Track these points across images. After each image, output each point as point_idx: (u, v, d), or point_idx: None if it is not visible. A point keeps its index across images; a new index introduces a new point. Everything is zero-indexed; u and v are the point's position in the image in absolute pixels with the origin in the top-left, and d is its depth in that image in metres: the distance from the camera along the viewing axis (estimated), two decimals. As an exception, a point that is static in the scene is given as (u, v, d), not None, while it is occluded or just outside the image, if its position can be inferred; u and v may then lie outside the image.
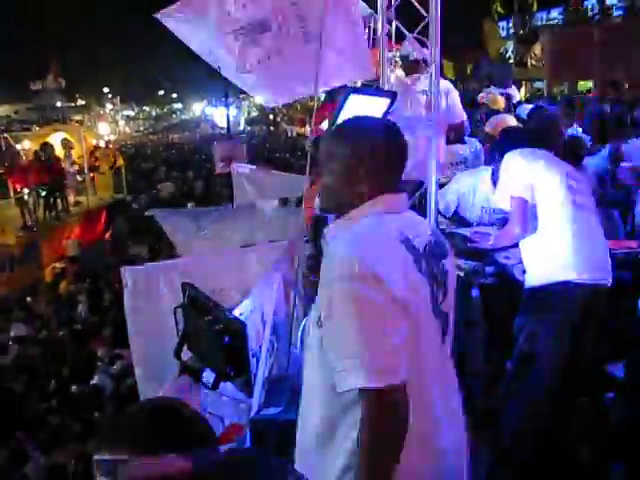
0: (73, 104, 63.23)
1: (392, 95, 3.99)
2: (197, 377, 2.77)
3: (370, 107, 3.90)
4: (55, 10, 67.90)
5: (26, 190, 16.57)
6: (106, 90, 71.23)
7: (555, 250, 3.70)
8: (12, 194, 17.51)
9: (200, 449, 1.62)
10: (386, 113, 4.05)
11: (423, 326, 1.98)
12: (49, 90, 59.51)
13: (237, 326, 2.57)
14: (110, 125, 59.65)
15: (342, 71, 5.03)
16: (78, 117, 54.72)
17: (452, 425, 2.10)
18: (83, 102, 66.09)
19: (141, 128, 74.32)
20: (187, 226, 6.00)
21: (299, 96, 5.10)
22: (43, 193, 17.02)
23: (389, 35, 5.12)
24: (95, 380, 9.66)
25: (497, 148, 4.27)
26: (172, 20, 4.93)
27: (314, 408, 2.10)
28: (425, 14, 4.60)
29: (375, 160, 2.05)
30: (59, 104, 58.41)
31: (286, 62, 5.08)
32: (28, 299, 14.26)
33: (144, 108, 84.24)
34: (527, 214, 3.74)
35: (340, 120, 3.81)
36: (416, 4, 4.71)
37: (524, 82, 22.22)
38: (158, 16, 4.88)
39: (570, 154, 4.94)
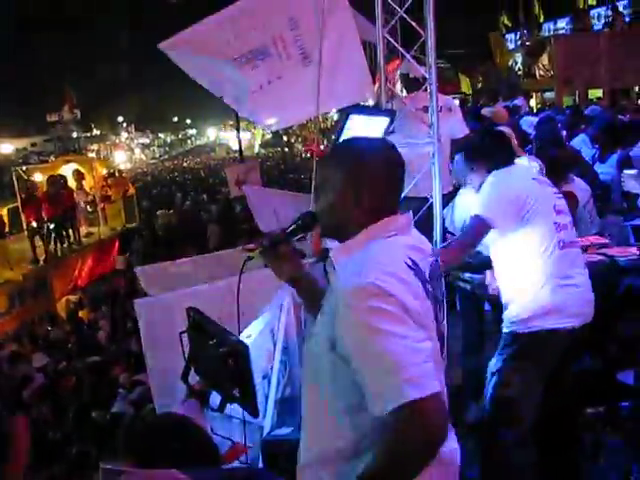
0: (89, 134, 64.00)
1: (391, 114, 4.05)
2: (204, 400, 2.82)
3: (370, 126, 3.97)
4: (68, 41, 68.87)
5: (34, 224, 16.66)
6: (120, 119, 71.98)
7: (540, 295, 3.44)
8: (25, 227, 17.63)
9: (201, 466, 1.66)
10: (386, 131, 4.12)
11: (433, 348, 1.93)
12: (65, 121, 60.25)
13: (241, 348, 2.61)
14: (126, 153, 60.27)
15: (342, 93, 5.07)
16: (94, 147, 55.34)
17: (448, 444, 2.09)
18: (98, 132, 66.87)
19: (157, 155, 74.90)
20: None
21: (301, 119, 5.15)
22: (52, 226, 17.04)
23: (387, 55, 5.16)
24: (115, 408, 9.70)
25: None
26: (174, 51, 5.01)
27: (325, 429, 2.03)
28: (421, 32, 4.65)
29: (373, 182, 2.02)
30: (75, 135, 59.13)
31: (287, 86, 5.14)
32: (49, 328, 14.41)
33: (159, 135, 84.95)
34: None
35: (342, 139, 3.89)
36: (412, 23, 4.76)
37: (534, 93, 22.19)
38: (162, 47, 4.98)
39: (555, 170, 4.95)
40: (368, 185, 2.02)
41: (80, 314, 15.69)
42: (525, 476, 3.50)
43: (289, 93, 5.06)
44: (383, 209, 2.04)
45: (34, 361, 11.85)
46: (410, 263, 1.93)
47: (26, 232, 17.33)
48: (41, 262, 16.46)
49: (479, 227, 3.60)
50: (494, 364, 3.58)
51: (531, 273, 3.47)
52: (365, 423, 1.90)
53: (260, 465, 3.41)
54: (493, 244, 3.67)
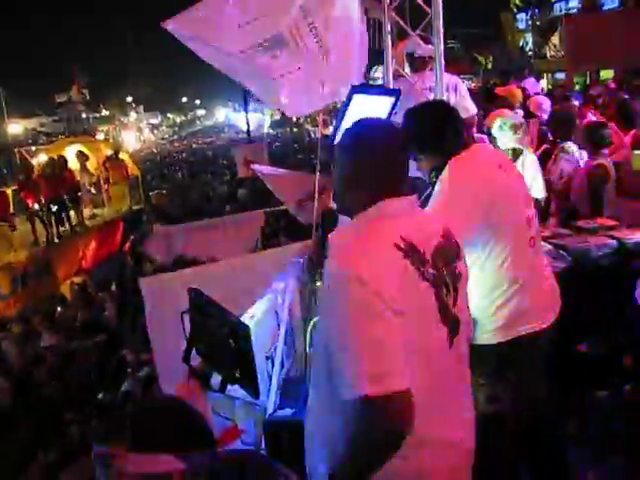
0: (98, 115, 64.05)
1: (396, 93, 4.00)
2: (205, 381, 2.81)
3: (374, 106, 3.92)
4: (77, 22, 68.79)
5: (36, 206, 16.59)
6: (130, 99, 71.93)
7: (514, 299, 3.08)
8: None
9: (196, 449, 1.66)
10: (391, 111, 4.07)
11: (425, 331, 1.97)
12: (74, 102, 60.35)
13: (242, 329, 2.60)
14: (135, 134, 60.32)
15: (353, 76, 5.03)
16: (103, 127, 55.40)
17: (459, 426, 2.11)
18: (107, 112, 66.89)
19: (166, 136, 74.91)
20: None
21: (320, 107, 5.07)
22: (54, 208, 17.00)
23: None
24: (125, 387, 9.77)
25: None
26: (177, 32, 4.96)
27: (322, 407, 2.13)
28: (428, 10, 4.59)
29: (374, 165, 2.06)
30: (84, 115, 59.21)
31: (307, 76, 5.08)
32: (59, 309, 14.47)
33: (168, 115, 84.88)
34: None
35: (345, 120, 3.85)
36: (419, 1, 4.70)
37: (545, 74, 22.01)
38: (164, 26, 4.92)
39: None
40: (369, 168, 2.07)
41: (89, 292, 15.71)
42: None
43: (309, 82, 5.00)
44: (385, 191, 2.06)
45: (43, 341, 11.91)
46: (402, 245, 1.95)
47: (25, 215, 17.23)
48: (42, 244, 16.42)
49: None
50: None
51: (502, 277, 3.08)
52: None
53: (262, 446, 3.42)
54: None
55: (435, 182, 3.10)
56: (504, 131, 5.27)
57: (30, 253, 15.80)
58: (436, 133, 3.07)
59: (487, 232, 2.95)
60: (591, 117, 7.27)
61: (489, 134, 5.36)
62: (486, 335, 3.11)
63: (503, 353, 3.10)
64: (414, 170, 5.06)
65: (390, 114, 4.00)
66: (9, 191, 18.14)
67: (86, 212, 18.96)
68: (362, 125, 2.24)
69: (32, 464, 8.09)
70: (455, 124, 3.13)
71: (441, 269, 2.04)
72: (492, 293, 3.06)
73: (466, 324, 2.17)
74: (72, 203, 17.36)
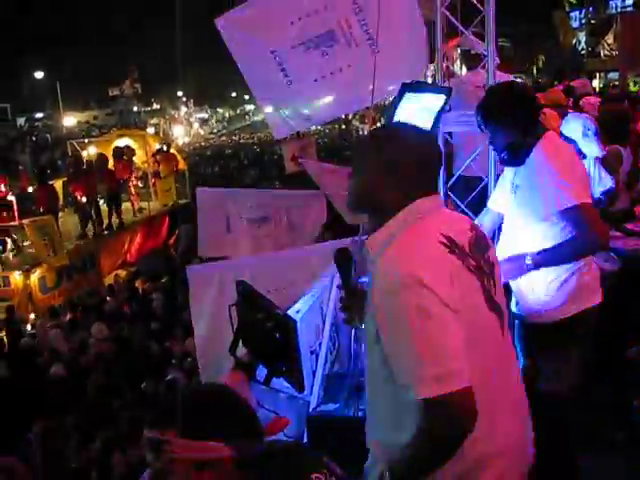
0: (149, 108, 64.90)
1: (447, 91, 3.99)
2: (251, 373, 2.85)
3: (426, 104, 3.91)
4: (131, 17, 69.94)
5: (84, 199, 16.69)
6: (180, 93, 72.67)
7: (577, 274, 3.20)
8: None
9: (245, 438, 1.69)
10: (443, 109, 4.06)
11: (480, 324, 2.01)
12: (126, 95, 61.21)
13: (288, 323, 2.63)
14: (185, 128, 60.93)
15: (405, 74, 5.02)
16: (154, 121, 56.08)
17: (514, 419, 2.13)
18: (158, 106, 67.72)
19: (214, 130, 75.50)
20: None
21: (367, 105, 5.08)
22: (101, 201, 17.22)
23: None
24: (170, 376, 9.91)
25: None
26: (228, 28, 5.03)
27: (381, 407, 2.16)
28: (481, 8, 4.56)
29: (405, 168, 2.07)
30: (135, 109, 60.04)
31: (357, 73, 5.09)
32: (108, 298, 14.72)
33: (217, 110, 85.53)
34: None
35: (396, 117, 3.86)
36: (472, -1, 4.67)
37: (597, 73, 21.57)
38: (217, 22, 5.00)
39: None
40: (401, 170, 2.07)
41: (137, 283, 15.97)
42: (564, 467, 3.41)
43: (358, 79, 5.01)
44: (416, 193, 2.08)
45: (95, 331, 12.14)
46: (445, 241, 1.99)
47: (73, 207, 17.41)
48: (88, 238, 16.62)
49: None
50: (540, 360, 3.32)
51: None
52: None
53: (305, 440, 3.45)
54: (524, 228, 3.28)
55: (506, 158, 3.26)
56: (589, 137, 5.18)
57: (76, 246, 15.99)
58: (512, 109, 3.18)
59: None
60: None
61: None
62: (551, 311, 3.22)
63: (568, 328, 3.20)
64: (467, 169, 5.08)
65: (441, 112, 3.99)
66: (59, 183, 18.34)
67: (134, 206, 19.16)
68: (393, 126, 2.34)
69: (84, 448, 8.29)
70: (532, 104, 3.30)
71: (480, 260, 2.07)
72: (559, 268, 3.16)
73: (506, 310, 2.19)
74: (111, 200, 17.37)
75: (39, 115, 56.73)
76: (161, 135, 41.50)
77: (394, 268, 1.94)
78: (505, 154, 3.26)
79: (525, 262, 3.18)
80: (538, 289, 3.24)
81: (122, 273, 17.19)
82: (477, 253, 2.08)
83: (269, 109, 5.60)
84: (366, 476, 2.21)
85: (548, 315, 3.24)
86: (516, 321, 3.40)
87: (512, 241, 3.32)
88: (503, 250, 3.25)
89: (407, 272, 1.89)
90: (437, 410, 1.85)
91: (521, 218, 3.28)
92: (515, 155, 3.23)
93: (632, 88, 17.33)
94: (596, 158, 5.13)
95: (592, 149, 5.17)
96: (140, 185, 20.40)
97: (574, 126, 5.27)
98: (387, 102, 5.30)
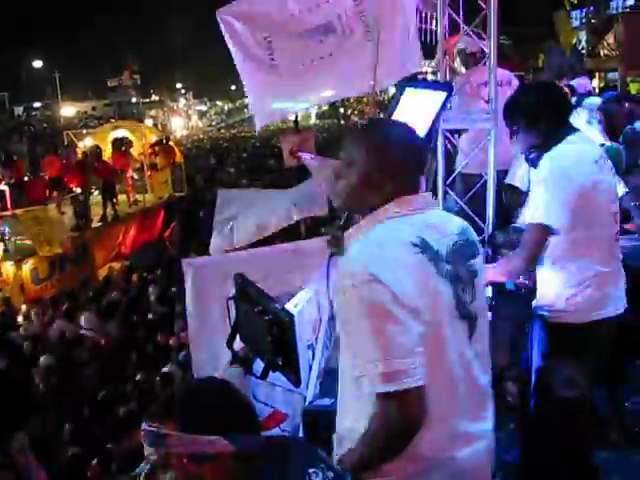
0: (148, 100, 64.80)
1: (448, 88, 3.97)
2: (248, 367, 2.85)
3: (426, 100, 3.89)
4: (130, 9, 69.79)
5: (78, 190, 16.45)
6: (179, 85, 72.62)
7: (597, 282, 3.22)
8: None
9: (243, 433, 1.69)
10: (444, 106, 4.04)
11: (443, 328, 1.99)
12: (125, 86, 61.16)
13: (285, 317, 2.63)
14: (183, 120, 60.90)
15: (401, 67, 5.04)
16: (153, 112, 56.03)
17: (473, 423, 2.10)
18: (157, 98, 67.64)
19: (213, 123, 75.46)
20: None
21: (359, 93, 5.15)
22: (95, 193, 17.01)
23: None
24: (167, 369, 9.90)
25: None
26: (228, 20, 5.07)
27: (346, 398, 2.18)
28: (483, 6, 4.55)
29: (389, 164, 2.07)
30: (134, 100, 59.96)
31: (349, 59, 5.14)
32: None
33: (216, 103, 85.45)
34: None
35: (396, 113, 3.84)
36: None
37: (597, 73, 21.57)
38: (219, 12, 5.02)
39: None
40: (385, 167, 2.07)
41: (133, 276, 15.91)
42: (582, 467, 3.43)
43: (351, 66, 5.05)
44: (401, 190, 2.08)
45: (83, 321, 12.12)
46: (417, 242, 1.97)
47: (69, 199, 16.84)
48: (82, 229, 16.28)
49: (541, 235, 3.20)
50: (549, 363, 3.35)
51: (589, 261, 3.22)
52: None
53: (300, 434, 3.45)
54: None
55: (527, 157, 3.34)
56: (592, 125, 5.20)
57: (70, 237, 15.62)
58: (535, 112, 3.23)
59: (580, 219, 3.10)
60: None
61: None
62: (566, 314, 3.24)
63: (583, 334, 3.21)
64: (467, 166, 5.09)
65: (442, 109, 3.97)
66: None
67: (128, 198, 18.89)
68: (380, 124, 2.32)
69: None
70: (561, 109, 3.31)
71: (458, 266, 2.05)
72: (578, 274, 3.19)
73: (484, 321, 2.17)
74: (106, 192, 17.14)
75: (37, 105, 56.66)
76: (159, 127, 41.45)
77: (353, 264, 1.95)
78: (527, 154, 3.34)
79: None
80: (559, 290, 3.26)
81: (116, 265, 17.08)
82: (457, 259, 2.06)
83: (253, 98, 5.63)
84: None
85: (566, 317, 3.26)
86: (536, 323, 3.44)
87: None
88: None
89: (363, 268, 1.90)
90: (387, 406, 1.88)
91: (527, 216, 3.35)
92: (533, 157, 3.29)
93: (631, 88, 17.34)
94: None
95: (595, 137, 5.14)
96: (135, 177, 20.12)
97: (579, 115, 5.27)
98: (386, 98, 5.30)
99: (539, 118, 3.23)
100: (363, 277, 1.89)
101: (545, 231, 3.15)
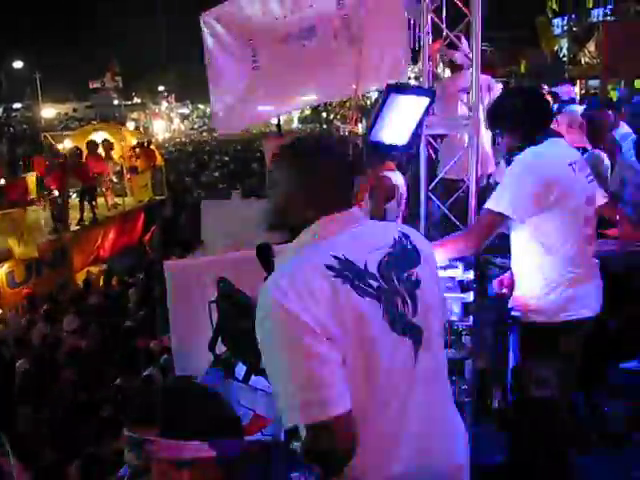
0: (130, 102, 64.52)
1: (431, 93, 3.99)
2: (230, 370, 2.84)
3: (409, 106, 3.91)
4: (112, 11, 69.49)
5: (56, 192, 16.20)
6: (161, 88, 72.33)
7: (570, 284, 3.29)
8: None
9: (224, 437, 1.68)
10: (427, 111, 4.06)
11: (375, 348, 1.88)
12: (107, 88, 60.83)
13: (268, 321, 2.62)
14: (165, 123, 60.65)
15: (384, 72, 5.06)
16: (134, 115, 55.76)
17: (419, 448, 1.98)
18: (139, 100, 67.35)
19: (195, 126, 75.19)
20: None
21: (342, 97, 5.18)
22: (74, 196, 16.72)
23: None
24: (148, 372, 9.84)
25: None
26: (211, 24, 5.10)
27: None
28: (467, 12, 4.58)
29: (310, 184, 2.01)
30: (116, 102, 59.67)
31: (332, 64, 5.17)
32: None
33: (199, 106, 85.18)
34: None
35: (381, 118, 3.86)
36: (458, 2, 4.69)
37: (578, 80, 21.78)
38: (203, 16, 5.03)
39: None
40: (307, 187, 2.02)
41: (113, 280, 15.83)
42: (557, 465, 3.46)
43: (333, 70, 5.09)
44: (326, 209, 2.01)
45: (65, 324, 12.04)
46: (334, 264, 1.88)
47: (47, 201, 16.62)
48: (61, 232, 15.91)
49: (489, 219, 3.32)
50: (525, 363, 3.43)
51: (562, 262, 3.28)
52: None
53: (283, 438, 3.44)
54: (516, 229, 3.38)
55: (507, 159, 3.46)
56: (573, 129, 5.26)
57: (47, 240, 15.32)
58: (519, 114, 3.34)
59: (550, 217, 3.20)
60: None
61: None
62: (537, 314, 3.32)
63: (553, 335, 3.27)
64: (449, 171, 5.11)
65: (425, 114, 4.00)
66: (33, 177, 17.70)
67: (108, 201, 18.55)
68: (303, 143, 2.19)
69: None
70: (540, 113, 3.42)
71: (391, 280, 1.96)
72: (549, 275, 3.27)
73: (435, 333, 2.05)
74: (85, 195, 16.72)
75: (17, 106, 56.22)
76: (141, 130, 41.23)
77: (266, 296, 1.87)
78: (507, 156, 3.44)
79: None
80: (531, 291, 3.35)
81: (94, 269, 16.86)
82: (390, 273, 1.96)
83: (222, 104, 5.62)
84: None
85: (536, 317, 3.34)
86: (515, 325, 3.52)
87: None
88: None
89: (275, 299, 1.82)
90: (311, 435, 1.78)
91: None
92: (512, 158, 3.37)
93: (612, 95, 17.50)
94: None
95: (577, 141, 5.19)
96: (115, 180, 19.77)
97: (561, 120, 5.30)
98: (369, 103, 5.33)
99: (523, 121, 3.32)
100: (275, 310, 1.82)
101: (496, 217, 3.25)
